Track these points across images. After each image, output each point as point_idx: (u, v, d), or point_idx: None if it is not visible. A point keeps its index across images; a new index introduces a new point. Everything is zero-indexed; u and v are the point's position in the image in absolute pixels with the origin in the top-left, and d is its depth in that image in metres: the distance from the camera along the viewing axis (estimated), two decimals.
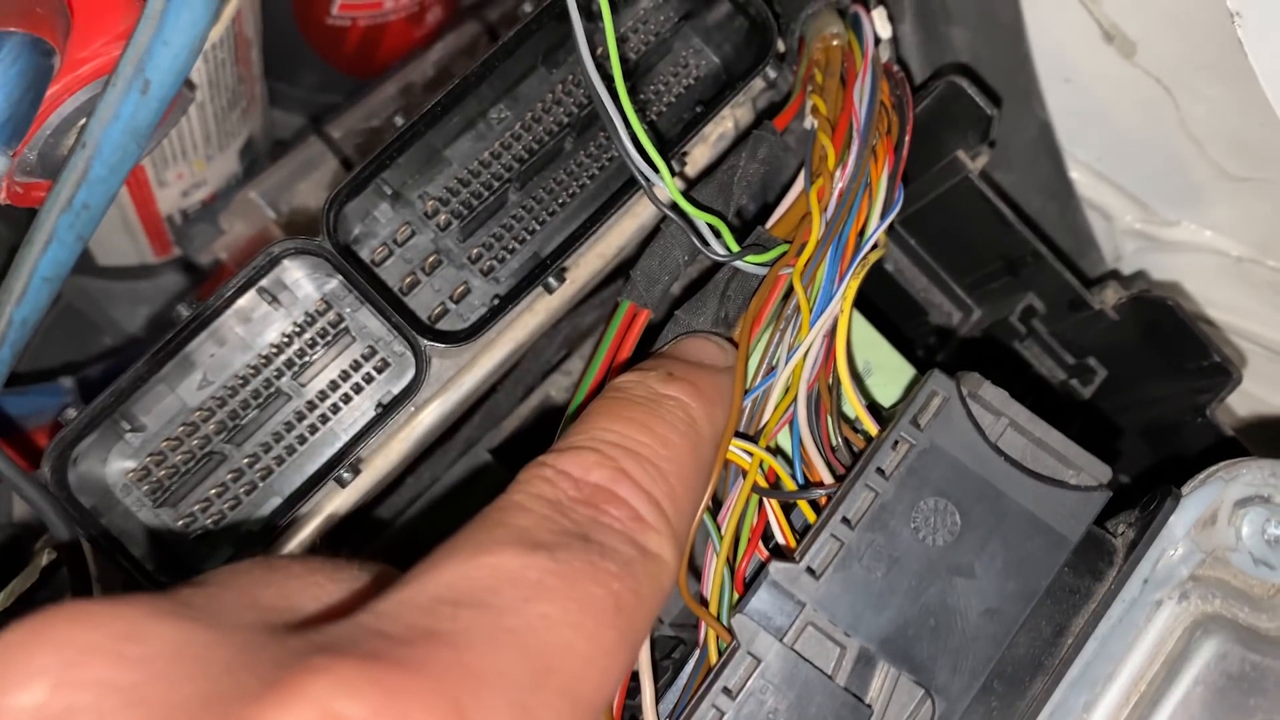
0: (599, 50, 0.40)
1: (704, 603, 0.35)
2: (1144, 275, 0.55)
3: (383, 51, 0.67)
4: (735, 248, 0.39)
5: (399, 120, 0.40)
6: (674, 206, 0.39)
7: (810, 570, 0.31)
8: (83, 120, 0.38)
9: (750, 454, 0.36)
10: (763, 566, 0.34)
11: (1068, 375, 0.49)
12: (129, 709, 0.20)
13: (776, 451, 0.38)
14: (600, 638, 0.25)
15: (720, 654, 0.32)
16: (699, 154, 0.45)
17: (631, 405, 0.32)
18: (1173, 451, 0.46)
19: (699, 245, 0.39)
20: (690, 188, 0.42)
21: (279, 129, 0.71)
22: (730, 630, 0.32)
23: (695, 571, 0.39)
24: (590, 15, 0.41)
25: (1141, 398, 0.48)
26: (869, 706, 0.31)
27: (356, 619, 0.23)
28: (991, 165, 0.54)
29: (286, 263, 0.39)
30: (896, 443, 0.33)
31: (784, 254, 0.39)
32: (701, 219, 0.39)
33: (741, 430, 0.38)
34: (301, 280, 0.41)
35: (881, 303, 0.53)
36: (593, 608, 0.25)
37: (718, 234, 0.39)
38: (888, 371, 0.42)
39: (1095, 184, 0.56)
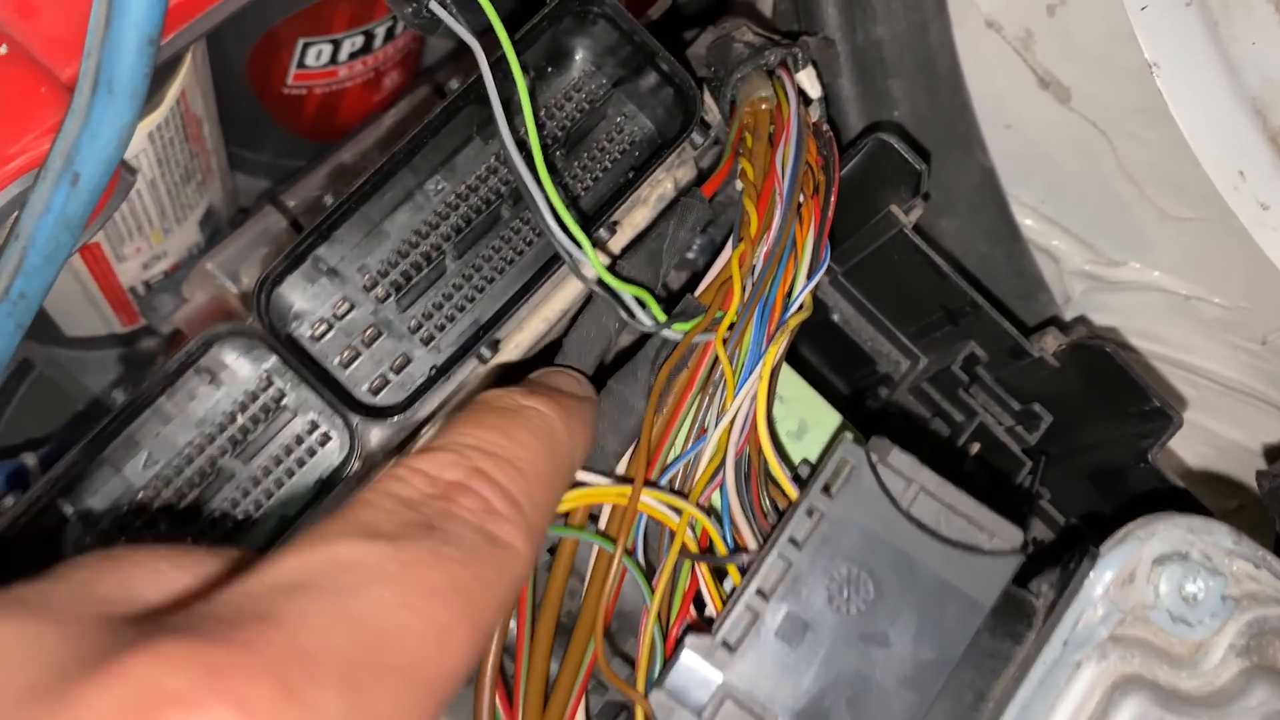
0: (522, 130, 0.40)
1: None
2: (1086, 320, 0.55)
3: (341, 117, 0.68)
4: (662, 318, 0.40)
5: (328, 199, 0.41)
6: (599, 282, 0.39)
7: (726, 644, 0.32)
8: (15, 213, 0.38)
9: (680, 512, 0.37)
10: (689, 631, 0.34)
11: (1014, 421, 0.49)
12: None
13: (709, 511, 0.38)
14: (437, 619, 0.26)
15: None
16: (639, 215, 0.46)
17: (492, 413, 0.34)
18: (1118, 495, 0.46)
19: (626, 318, 0.40)
20: (623, 254, 0.43)
21: (245, 194, 0.72)
22: (650, 706, 0.32)
23: (630, 636, 0.39)
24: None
25: (1087, 442, 0.48)
26: None
27: (191, 609, 0.24)
28: (936, 212, 0.55)
29: (222, 344, 0.40)
30: (810, 511, 0.33)
31: (713, 320, 0.39)
32: (627, 292, 0.40)
33: (677, 489, 0.39)
34: (240, 359, 0.41)
35: (830, 353, 0.53)
36: (430, 590, 0.26)
37: (644, 305, 0.40)
38: (823, 428, 0.43)
39: (1041, 227, 0.56)
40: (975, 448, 0.49)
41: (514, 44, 0.41)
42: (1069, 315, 0.57)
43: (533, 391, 0.35)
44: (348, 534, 0.27)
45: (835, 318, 0.52)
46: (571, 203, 0.44)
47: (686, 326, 0.39)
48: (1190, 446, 0.57)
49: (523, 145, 0.40)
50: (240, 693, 0.21)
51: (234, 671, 0.21)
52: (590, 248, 0.39)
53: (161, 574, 0.26)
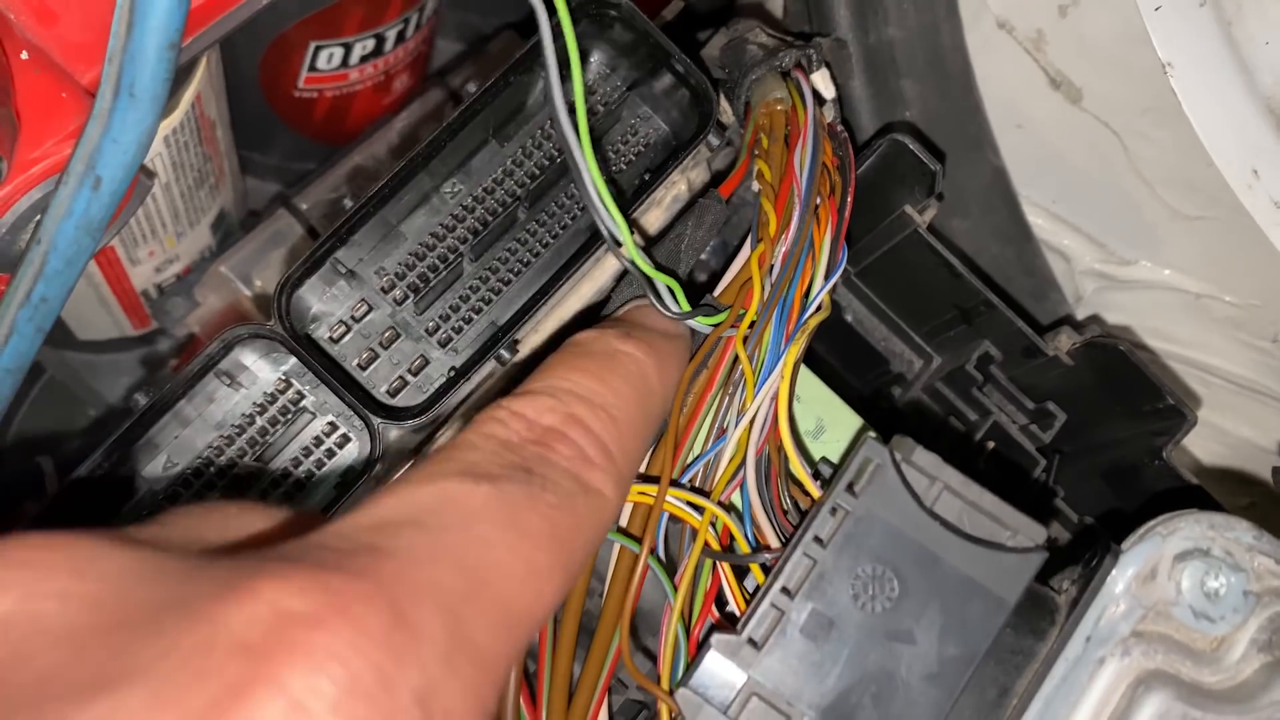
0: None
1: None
2: (1099, 319, 0.55)
3: (352, 120, 0.68)
4: (688, 308, 0.40)
5: (347, 202, 0.41)
6: (634, 265, 0.40)
7: (752, 641, 0.32)
8: (38, 217, 0.38)
9: (702, 510, 0.37)
10: (713, 629, 0.34)
11: (1028, 420, 0.49)
12: (90, 612, 0.22)
13: (730, 509, 0.38)
14: (534, 560, 0.27)
15: None
16: (653, 217, 0.46)
17: (588, 358, 0.35)
18: (1133, 494, 0.46)
19: (655, 303, 0.40)
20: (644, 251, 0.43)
21: (254, 198, 0.72)
22: (677, 703, 0.32)
23: (651, 636, 0.39)
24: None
25: (1101, 441, 0.48)
26: None
27: (305, 539, 0.25)
28: (948, 212, 0.55)
29: (242, 346, 0.40)
30: (834, 510, 0.33)
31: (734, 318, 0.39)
32: (660, 279, 0.40)
33: (697, 487, 0.39)
34: (259, 361, 0.41)
35: (843, 353, 0.53)
36: (529, 533, 0.27)
37: (673, 294, 0.40)
38: (841, 428, 0.43)
39: (1052, 226, 0.57)
40: (989, 446, 0.49)
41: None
42: (1080, 314, 0.58)
43: (628, 335, 0.36)
44: (452, 474, 0.28)
45: (849, 317, 0.52)
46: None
47: (710, 320, 0.39)
48: (1202, 444, 0.57)
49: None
50: (356, 614, 0.22)
51: (351, 595, 0.23)
52: (627, 231, 0.39)
53: (251, 524, 0.28)
